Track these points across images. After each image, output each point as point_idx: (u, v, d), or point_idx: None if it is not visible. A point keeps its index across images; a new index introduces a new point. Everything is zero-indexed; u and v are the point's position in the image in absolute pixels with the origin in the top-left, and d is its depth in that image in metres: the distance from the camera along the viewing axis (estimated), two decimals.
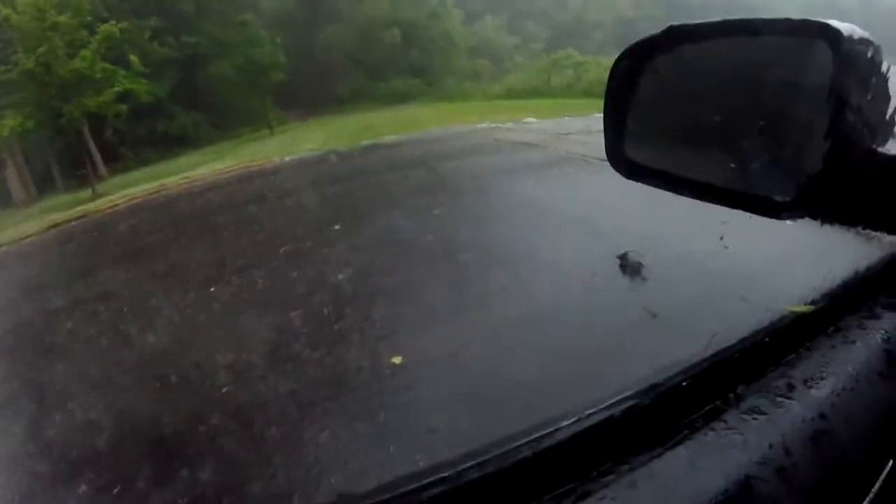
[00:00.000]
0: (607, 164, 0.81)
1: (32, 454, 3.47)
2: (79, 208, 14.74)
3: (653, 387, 0.59)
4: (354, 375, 3.66)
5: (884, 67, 0.61)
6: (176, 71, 23.96)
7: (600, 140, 0.81)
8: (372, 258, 5.82)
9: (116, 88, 16.70)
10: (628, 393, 0.58)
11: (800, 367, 0.61)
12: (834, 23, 0.62)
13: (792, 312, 0.68)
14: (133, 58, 18.28)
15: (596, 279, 4.33)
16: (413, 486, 0.51)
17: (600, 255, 4.65)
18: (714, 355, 0.63)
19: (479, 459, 0.52)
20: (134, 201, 13.90)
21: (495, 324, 4.03)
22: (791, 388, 0.59)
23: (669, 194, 0.75)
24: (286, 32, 26.57)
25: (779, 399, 0.58)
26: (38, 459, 3.41)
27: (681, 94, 0.79)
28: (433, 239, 6.26)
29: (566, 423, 0.55)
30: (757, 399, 0.58)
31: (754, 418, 0.56)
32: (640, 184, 0.79)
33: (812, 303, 0.70)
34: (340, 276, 5.38)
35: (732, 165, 0.73)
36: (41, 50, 15.17)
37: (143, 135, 23.16)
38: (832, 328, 0.67)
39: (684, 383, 0.59)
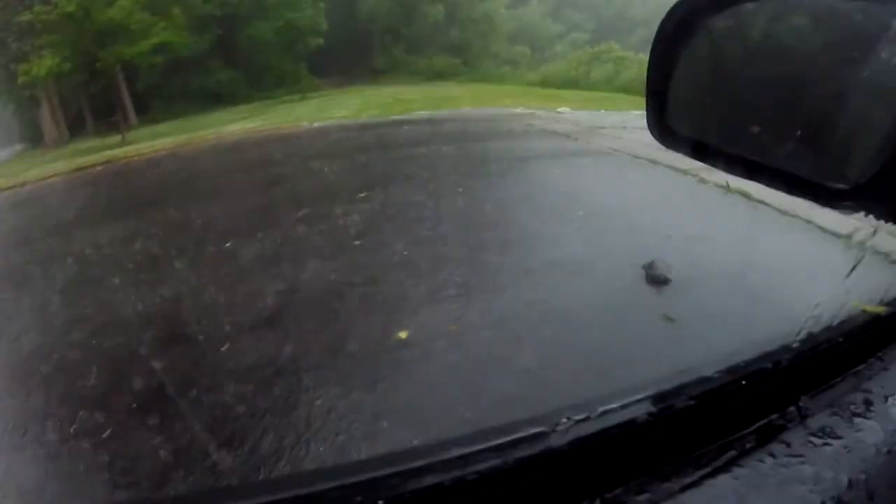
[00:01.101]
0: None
1: None
2: (107, 153, 14.85)
3: (685, 386, 0.42)
4: None
5: None
6: (215, 28, 23.92)
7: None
8: (383, 229, 5.79)
9: (153, 40, 16.76)
10: (652, 391, 0.41)
11: (877, 380, 0.44)
12: None
13: (864, 311, 0.53)
14: (175, 10, 18.31)
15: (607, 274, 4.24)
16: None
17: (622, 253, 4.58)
18: (768, 354, 0.45)
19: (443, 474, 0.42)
20: (161, 152, 13.94)
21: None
22: (869, 404, 0.42)
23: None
24: None
25: (856, 419, 0.41)
26: None
27: (735, 59, 0.70)
28: (448, 216, 6.19)
29: (561, 425, 0.39)
30: (827, 417, 0.41)
31: (826, 443, 0.38)
32: (675, 162, 0.70)
33: (887, 303, 0.54)
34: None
35: (787, 145, 0.64)
36: None
37: (177, 87, 23.18)
38: None
39: (729, 387, 0.42)
